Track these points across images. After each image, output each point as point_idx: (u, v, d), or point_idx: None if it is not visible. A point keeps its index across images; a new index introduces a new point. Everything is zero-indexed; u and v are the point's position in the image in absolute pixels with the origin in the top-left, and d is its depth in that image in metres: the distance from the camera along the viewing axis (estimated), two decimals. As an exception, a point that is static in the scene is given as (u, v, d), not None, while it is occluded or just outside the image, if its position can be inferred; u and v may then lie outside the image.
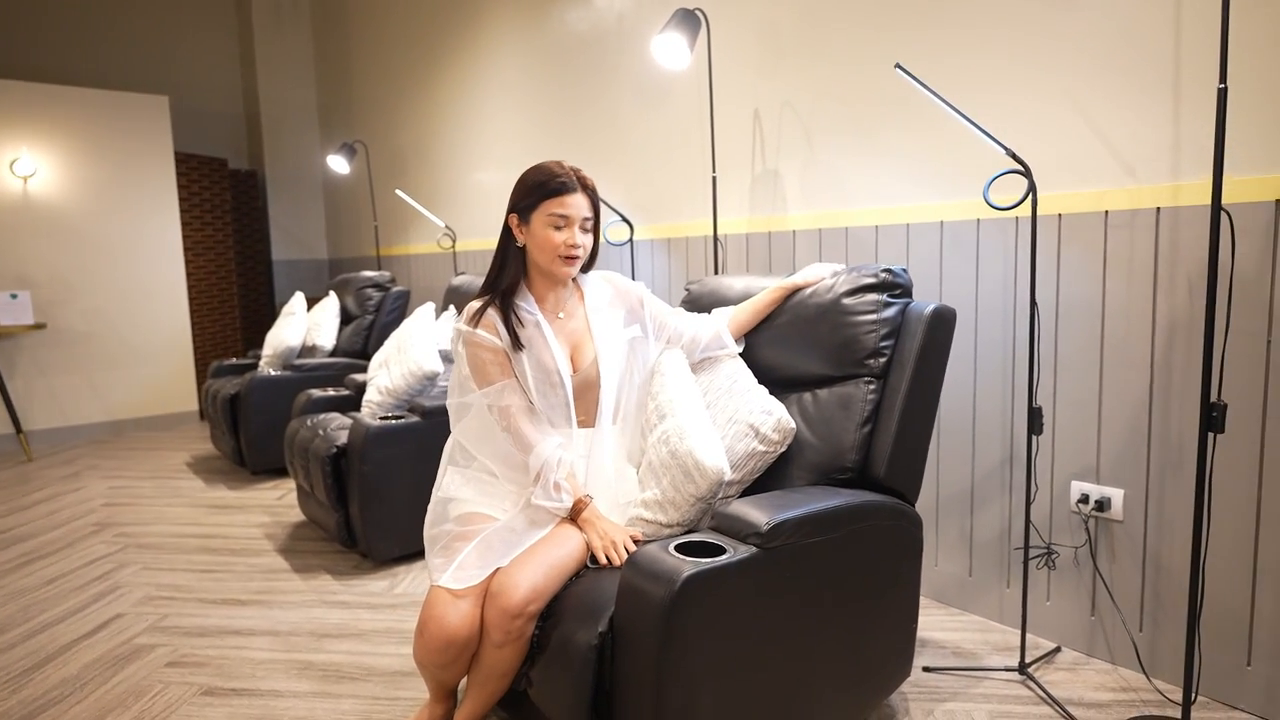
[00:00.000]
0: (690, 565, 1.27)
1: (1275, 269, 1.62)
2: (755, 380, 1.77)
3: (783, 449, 1.68)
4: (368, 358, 4.13)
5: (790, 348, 1.80)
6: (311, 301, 4.49)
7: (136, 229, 5.06)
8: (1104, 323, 1.89)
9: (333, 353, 4.22)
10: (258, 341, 6.19)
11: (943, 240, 2.20)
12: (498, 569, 1.49)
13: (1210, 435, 1.50)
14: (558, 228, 1.64)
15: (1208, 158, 1.70)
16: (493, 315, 1.66)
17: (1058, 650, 2.01)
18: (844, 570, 1.51)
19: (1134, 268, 1.83)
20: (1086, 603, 1.98)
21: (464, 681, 1.59)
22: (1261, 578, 1.69)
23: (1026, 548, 1.88)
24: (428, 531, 1.66)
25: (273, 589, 2.57)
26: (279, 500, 3.57)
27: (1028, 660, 1.91)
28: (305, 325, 4.22)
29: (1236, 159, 1.62)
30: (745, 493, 1.70)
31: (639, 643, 1.29)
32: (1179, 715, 1.68)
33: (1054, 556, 1.98)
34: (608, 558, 1.51)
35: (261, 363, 4.17)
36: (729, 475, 1.59)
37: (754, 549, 1.35)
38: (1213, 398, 1.49)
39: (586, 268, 1.78)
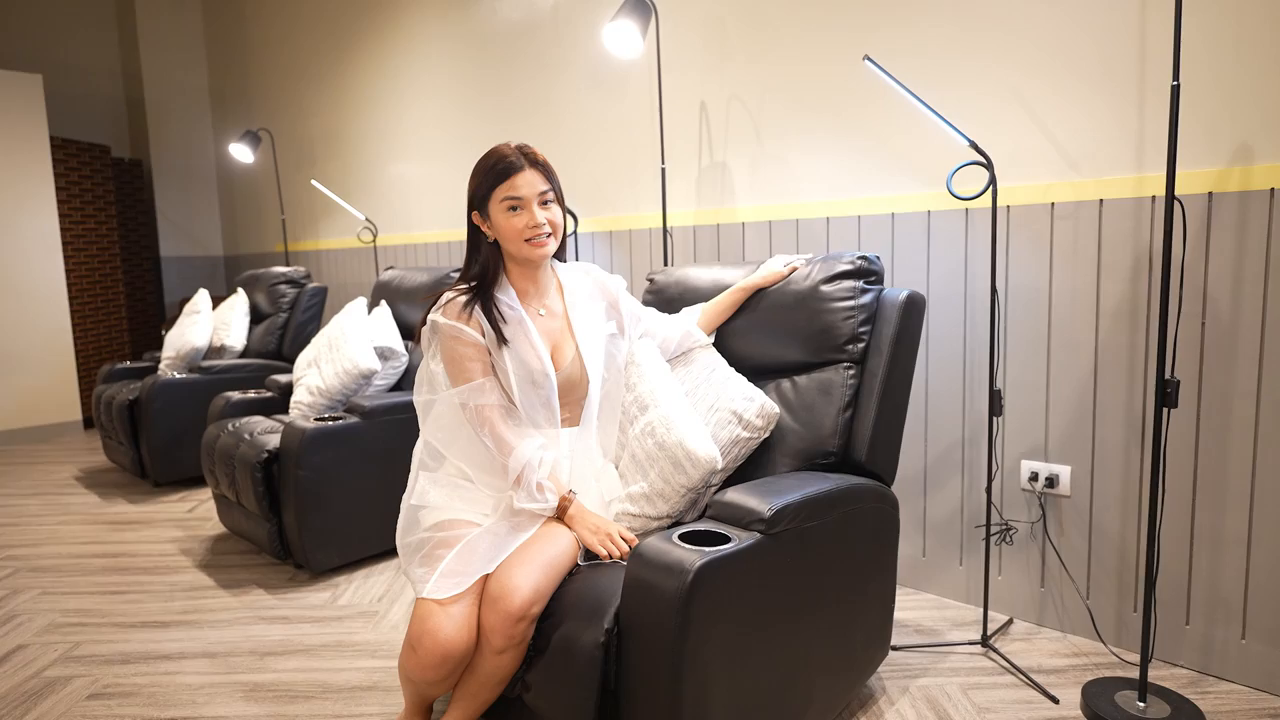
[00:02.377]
0: (703, 555, 1.25)
1: (1208, 256, 1.75)
2: (732, 369, 1.77)
3: (766, 434, 1.68)
4: (283, 358, 3.89)
5: (767, 335, 1.80)
6: (214, 300, 4.18)
7: (7, 220, 4.57)
8: (1051, 309, 2.00)
9: (243, 353, 3.94)
10: (147, 344, 5.73)
11: (894, 231, 2.26)
12: (487, 573, 1.42)
13: (1165, 410, 1.60)
14: (513, 209, 1.57)
15: (1149, 153, 1.82)
16: (463, 305, 1.59)
17: (1010, 622, 2.10)
18: (836, 554, 1.53)
19: (1078, 256, 1.94)
20: (1036, 576, 2.08)
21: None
22: (1198, 543, 1.82)
23: (988, 526, 1.96)
24: (401, 540, 1.56)
25: (199, 607, 2.37)
26: (190, 513, 3.31)
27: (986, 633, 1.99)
28: (211, 324, 3.93)
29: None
30: (729, 481, 1.70)
31: (650, 637, 1.26)
32: (1129, 674, 1.79)
33: (1011, 533, 2.07)
34: (607, 551, 1.46)
35: (163, 365, 3.84)
36: (721, 463, 1.57)
37: (758, 535, 1.35)
38: (1166, 375, 1.59)
39: (562, 248, 1.72)
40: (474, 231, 1.64)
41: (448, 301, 1.59)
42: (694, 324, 1.83)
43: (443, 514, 1.54)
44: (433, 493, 1.58)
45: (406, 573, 1.51)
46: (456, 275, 3.00)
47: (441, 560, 1.43)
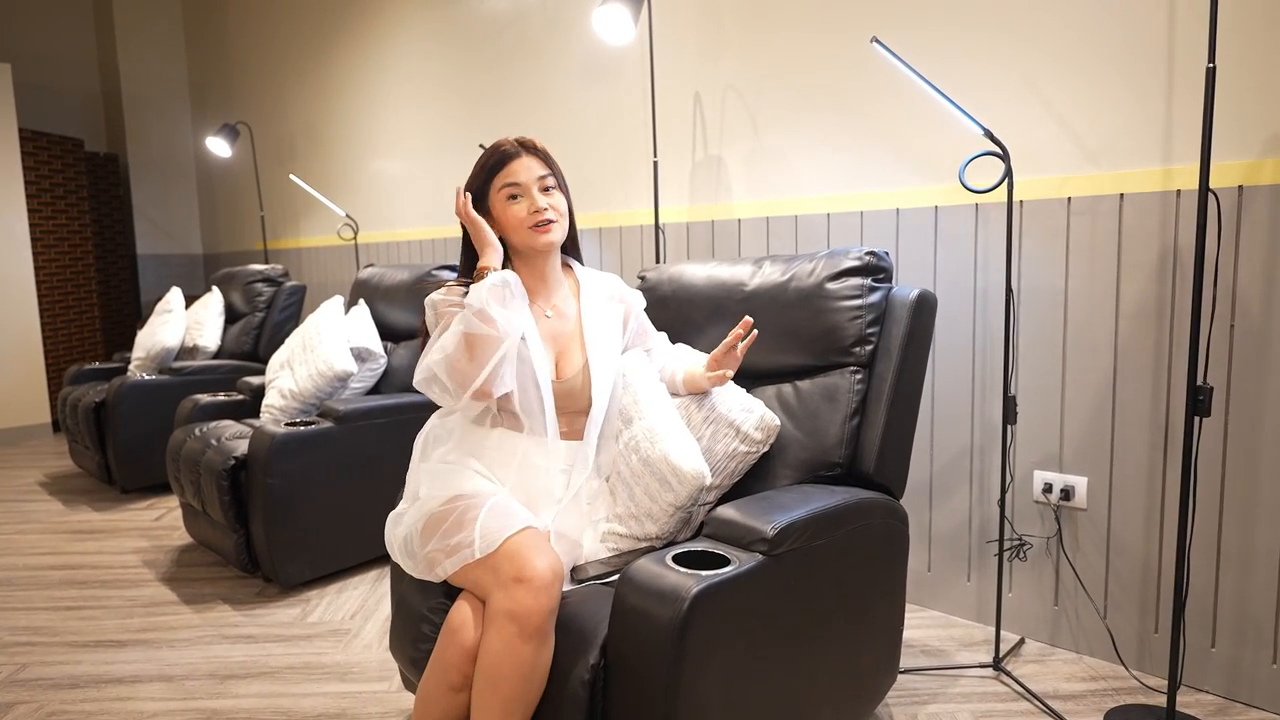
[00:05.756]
0: (700, 579, 1.12)
1: (1238, 254, 1.64)
2: (731, 382, 1.62)
3: (765, 449, 1.55)
4: (259, 359, 3.73)
5: (767, 337, 1.67)
6: (189, 299, 4.02)
7: (-28, 215, 4.40)
8: (1066, 309, 1.88)
9: (217, 354, 3.78)
10: (121, 344, 5.55)
11: (899, 227, 2.14)
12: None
13: (1197, 419, 1.48)
14: (513, 197, 1.48)
15: (1174, 144, 1.71)
16: (464, 292, 1.48)
17: (1021, 642, 1.98)
18: (843, 574, 1.40)
19: (1096, 254, 1.83)
20: (1049, 593, 1.96)
21: None
22: (1225, 560, 1.70)
23: (1001, 540, 1.84)
24: (412, 528, 1.39)
25: (159, 625, 2.22)
26: (157, 522, 3.15)
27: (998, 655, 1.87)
28: (184, 324, 3.77)
29: (1197, 148, 1.63)
30: (726, 495, 1.57)
31: (642, 671, 1.12)
32: (1152, 701, 1.68)
33: (1026, 548, 1.95)
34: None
35: (132, 366, 3.68)
36: (709, 479, 1.44)
37: (760, 556, 1.22)
38: (1196, 381, 1.47)
39: (574, 243, 1.62)
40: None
41: (449, 288, 1.50)
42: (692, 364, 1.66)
43: (451, 490, 1.41)
44: (429, 483, 1.46)
45: (430, 557, 1.33)
46: (439, 272, 2.87)
47: (476, 520, 1.30)
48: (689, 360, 1.66)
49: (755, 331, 1.52)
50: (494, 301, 1.38)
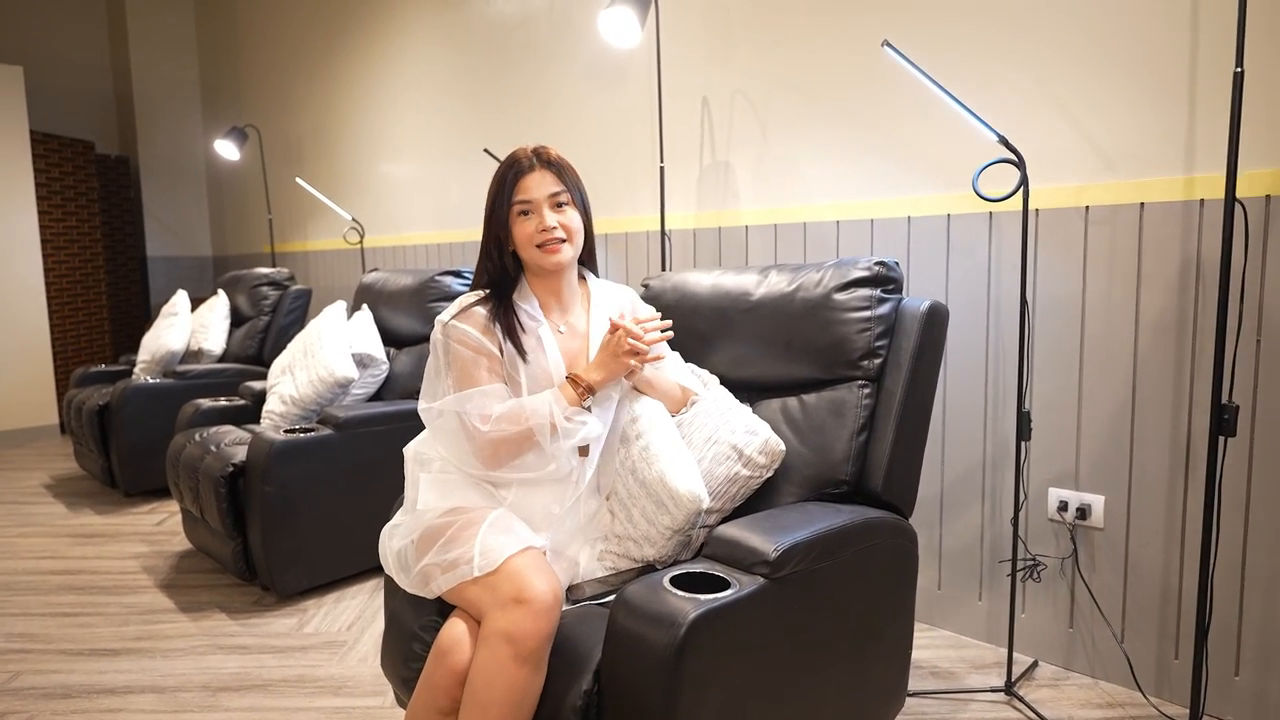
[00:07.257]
0: (698, 604, 1.07)
1: (1265, 266, 1.58)
2: (735, 400, 1.57)
3: (769, 474, 1.49)
4: (264, 363, 3.71)
5: (772, 349, 1.62)
6: (196, 302, 4.01)
7: (-18, 217, 4.41)
8: (1083, 322, 1.82)
9: (222, 358, 3.77)
10: (131, 346, 5.56)
11: (910, 236, 2.09)
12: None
13: (1222, 439, 1.42)
14: (524, 214, 1.44)
15: (1197, 151, 1.65)
16: (482, 313, 1.44)
17: (1035, 665, 1.92)
18: (849, 596, 1.35)
19: (1115, 265, 1.77)
20: (1064, 615, 1.90)
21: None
22: (1249, 585, 1.64)
23: (1015, 560, 1.78)
24: (404, 541, 1.36)
25: (154, 633, 2.19)
26: (159, 526, 3.13)
27: (1010, 678, 1.81)
28: (189, 327, 3.76)
29: (1222, 155, 1.57)
30: (729, 515, 1.51)
31: (637, 700, 1.08)
32: (1173, 731, 1.62)
33: (1040, 569, 1.89)
34: (635, 348, 1.38)
35: (137, 369, 3.67)
36: (706, 503, 1.38)
37: (761, 580, 1.17)
38: (1221, 400, 1.41)
39: (590, 254, 1.57)
40: (488, 236, 1.49)
41: (466, 308, 1.44)
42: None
43: (450, 501, 1.38)
44: (426, 493, 1.42)
45: (425, 571, 1.29)
46: (443, 278, 2.84)
47: (475, 536, 1.27)
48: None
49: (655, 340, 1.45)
50: (565, 439, 1.37)
